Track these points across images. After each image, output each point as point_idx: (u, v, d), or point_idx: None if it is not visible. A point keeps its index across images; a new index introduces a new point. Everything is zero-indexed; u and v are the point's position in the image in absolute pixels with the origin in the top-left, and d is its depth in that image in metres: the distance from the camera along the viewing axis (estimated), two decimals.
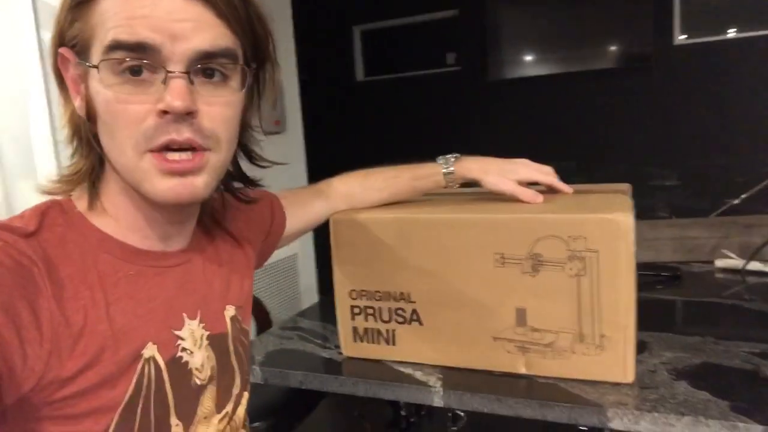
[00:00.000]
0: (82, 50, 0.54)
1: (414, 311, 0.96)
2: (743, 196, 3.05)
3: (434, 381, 0.93)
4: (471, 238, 0.89)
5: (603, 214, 0.81)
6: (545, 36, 3.55)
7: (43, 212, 0.55)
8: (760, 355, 0.93)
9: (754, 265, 1.43)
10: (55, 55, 0.56)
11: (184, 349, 0.61)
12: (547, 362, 0.88)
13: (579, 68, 3.46)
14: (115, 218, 0.59)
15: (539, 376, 0.90)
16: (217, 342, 0.66)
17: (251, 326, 0.76)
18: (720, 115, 3.21)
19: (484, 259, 0.88)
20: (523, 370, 0.90)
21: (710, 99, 3.22)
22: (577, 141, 3.55)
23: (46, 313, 0.49)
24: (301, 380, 1.03)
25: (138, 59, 0.51)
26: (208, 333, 0.65)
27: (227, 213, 0.75)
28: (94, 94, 0.54)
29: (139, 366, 0.56)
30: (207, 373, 0.64)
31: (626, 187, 1.06)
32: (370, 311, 1.00)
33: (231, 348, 0.69)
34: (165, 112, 0.52)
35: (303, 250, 2.78)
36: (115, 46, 0.51)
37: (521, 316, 0.88)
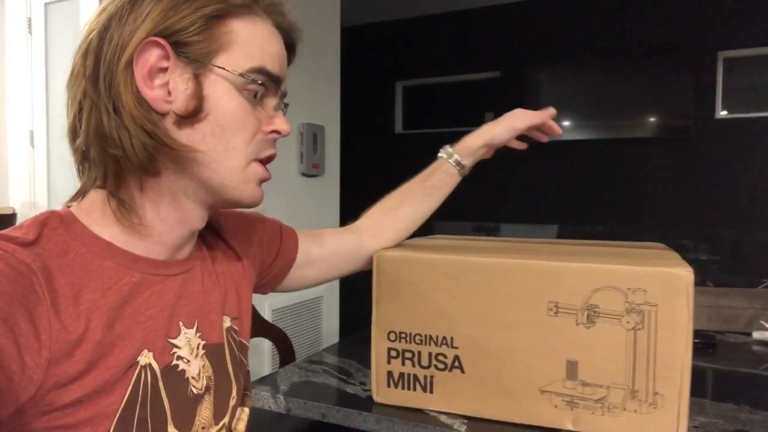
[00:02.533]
0: (199, 54, 0.57)
1: (456, 357, 0.94)
2: None
3: (459, 425, 0.91)
4: (524, 284, 0.87)
5: (666, 268, 0.79)
6: (584, 102, 3.60)
7: (42, 222, 0.56)
8: None
9: None
10: (138, 42, 0.55)
11: (179, 358, 0.61)
12: (597, 419, 0.84)
13: (617, 135, 3.48)
14: (136, 222, 0.59)
15: (571, 431, 0.87)
16: (213, 352, 0.66)
17: (249, 340, 0.75)
18: (758, 190, 3.18)
19: (536, 308, 0.87)
20: (570, 427, 0.86)
21: (748, 174, 3.20)
22: (610, 207, 3.54)
23: (45, 321, 0.49)
24: (323, 413, 1.01)
25: (276, 87, 0.63)
26: (204, 342, 0.65)
27: (229, 227, 0.77)
28: (215, 96, 0.58)
29: (135, 373, 0.56)
30: (203, 382, 0.64)
31: (662, 246, 1.05)
32: (408, 355, 0.97)
33: (228, 359, 0.69)
34: (275, 132, 0.63)
35: (328, 294, 2.77)
36: (262, 71, 0.60)
37: (572, 369, 0.85)
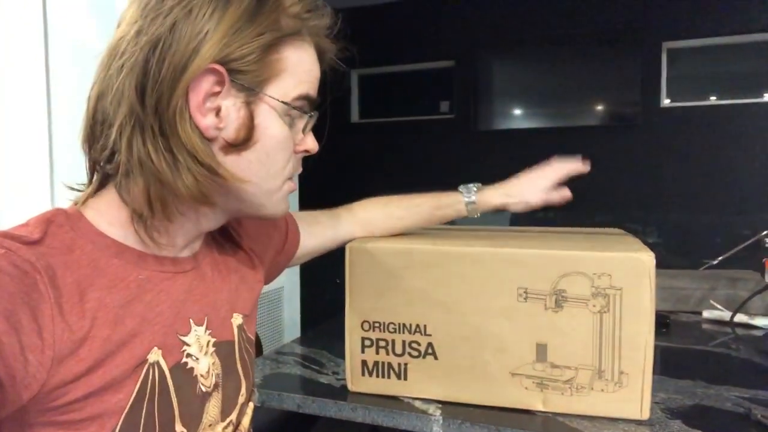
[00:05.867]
0: (252, 82, 0.57)
1: (429, 345, 0.96)
2: (720, 258, 3.16)
3: (434, 409, 0.93)
4: (495, 271, 0.90)
5: (630, 253, 0.84)
6: (535, 91, 3.68)
7: (47, 220, 0.55)
8: (750, 399, 0.96)
9: (740, 318, 1.48)
10: (198, 69, 0.53)
11: (189, 355, 0.61)
12: (565, 399, 0.88)
13: (566, 124, 3.57)
14: (157, 236, 0.60)
15: (541, 411, 0.90)
16: (223, 349, 0.67)
17: (254, 338, 0.76)
18: (700, 176, 3.34)
19: (506, 294, 0.89)
20: (540, 407, 0.90)
21: (690, 160, 3.35)
22: None
23: (49, 320, 0.49)
24: (299, 404, 1.02)
25: (314, 111, 0.64)
26: (214, 340, 0.66)
27: (238, 227, 0.77)
28: (265, 124, 0.59)
29: (144, 370, 0.56)
30: (212, 380, 0.64)
31: (621, 231, 1.10)
32: (383, 344, 0.98)
33: (237, 356, 0.69)
34: (306, 151, 0.66)
35: (289, 284, 2.75)
36: (306, 97, 0.62)
37: (542, 352, 0.89)
